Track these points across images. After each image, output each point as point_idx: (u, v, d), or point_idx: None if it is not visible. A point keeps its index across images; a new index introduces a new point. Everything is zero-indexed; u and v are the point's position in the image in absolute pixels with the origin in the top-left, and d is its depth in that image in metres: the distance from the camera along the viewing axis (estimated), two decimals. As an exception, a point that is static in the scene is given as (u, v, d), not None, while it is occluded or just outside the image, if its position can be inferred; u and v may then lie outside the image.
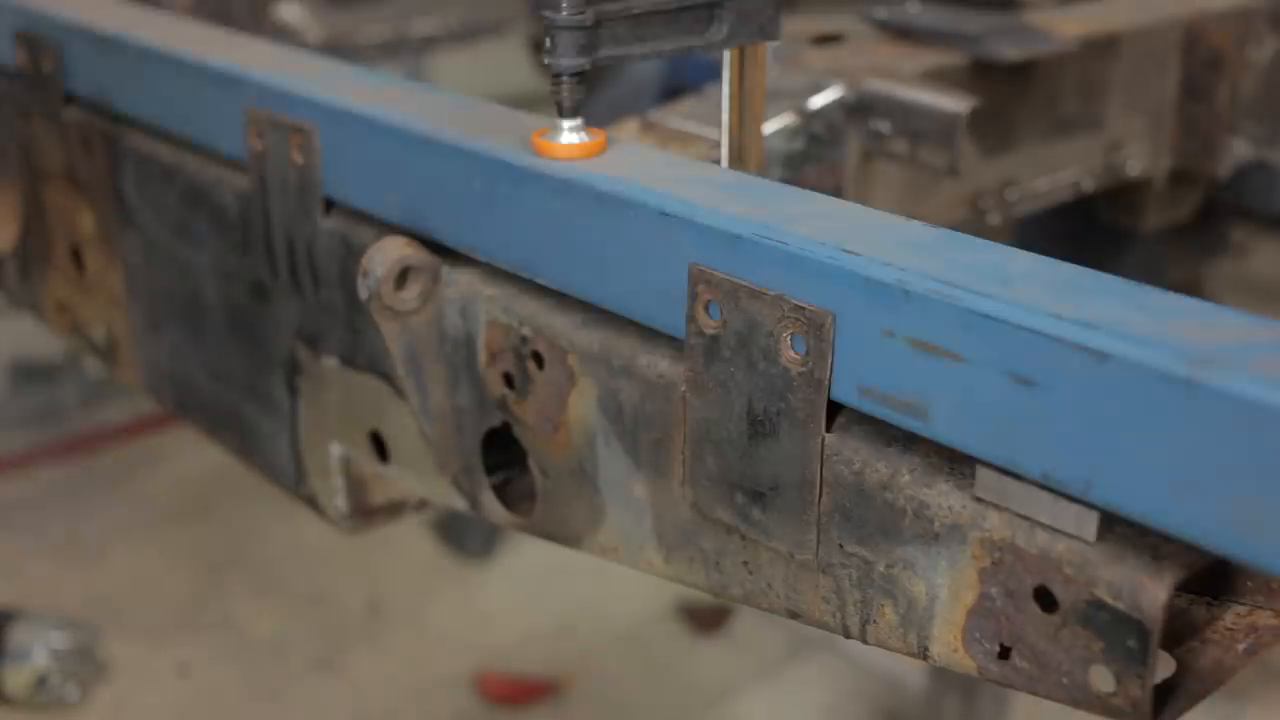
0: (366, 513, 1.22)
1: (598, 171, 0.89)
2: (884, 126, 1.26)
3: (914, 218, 0.82)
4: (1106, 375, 0.64)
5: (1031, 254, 0.76)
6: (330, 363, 1.15)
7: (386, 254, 1.01)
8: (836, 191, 1.25)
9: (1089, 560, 0.69)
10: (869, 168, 1.29)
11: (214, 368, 1.30)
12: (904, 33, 1.40)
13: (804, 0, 1.94)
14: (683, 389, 0.86)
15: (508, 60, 3.84)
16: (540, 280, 0.94)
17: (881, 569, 0.79)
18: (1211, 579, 0.75)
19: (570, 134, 0.92)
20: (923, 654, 0.79)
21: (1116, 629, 0.69)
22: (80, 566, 3.45)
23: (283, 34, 3.02)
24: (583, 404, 0.94)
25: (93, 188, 1.36)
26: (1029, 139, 1.42)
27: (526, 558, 3.44)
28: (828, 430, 0.79)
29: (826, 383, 0.77)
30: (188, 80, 1.20)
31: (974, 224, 1.40)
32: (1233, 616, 0.75)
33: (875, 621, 0.81)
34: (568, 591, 3.32)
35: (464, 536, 3.44)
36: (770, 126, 1.18)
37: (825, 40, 1.40)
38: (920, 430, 0.74)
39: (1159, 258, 1.80)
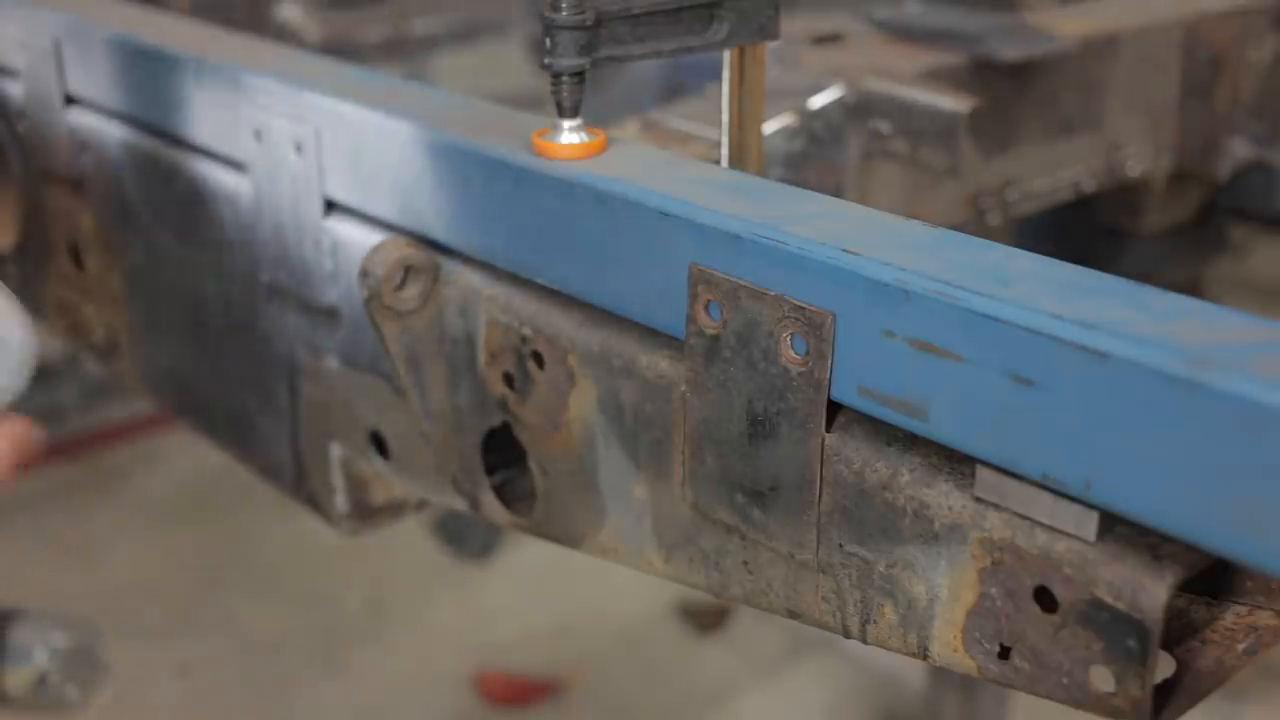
0: (366, 513, 1.22)
1: (598, 171, 0.89)
2: (884, 126, 1.26)
3: (914, 218, 0.82)
4: (1106, 375, 0.64)
5: (1031, 254, 0.76)
6: (330, 363, 1.15)
7: (386, 254, 1.01)
8: (836, 191, 1.25)
9: (1089, 560, 0.69)
10: (869, 168, 1.29)
11: (214, 368, 1.30)
12: (904, 33, 1.40)
13: (804, 0, 1.94)
14: (683, 389, 0.86)
15: (508, 60, 3.84)
16: (540, 280, 0.94)
17: (881, 569, 0.79)
18: (1211, 579, 0.75)
19: (570, 134, 0.92)
20: (923, 654, 0.79)
21: (1116, 629, 0.69)
22: (80, 566, 3.45)
23: (283, 34, 3.02)
24: (583, 404, 0.94)
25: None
26: (1029, 139, 1.42)
27: (526, 558, 3.44)
28: (828, 430, 0.79)
29: (826, 383, 0.77)
30: (185, 81, 1.20)
31: (974, 224, 1.40)
32: (1233, 616, 0.76)
33: (875, 621, 0.81)
34: (568, 591, 3.32)
35: (464, 536, 3.44)
36: (770, 126, 1.18)
37: (825, 40, 1.40)
38: (920, 430, 0.74)
39: (1159, 258, 1.80)
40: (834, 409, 0.78)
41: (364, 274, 1.01)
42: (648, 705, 3.05)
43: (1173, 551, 0.67)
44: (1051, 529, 0.70)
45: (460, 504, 1.09)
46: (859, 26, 1.44)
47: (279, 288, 1.16)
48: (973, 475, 0.73)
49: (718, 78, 0.99)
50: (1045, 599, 0.72)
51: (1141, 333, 0.65)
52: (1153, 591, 0.67)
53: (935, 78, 1.30)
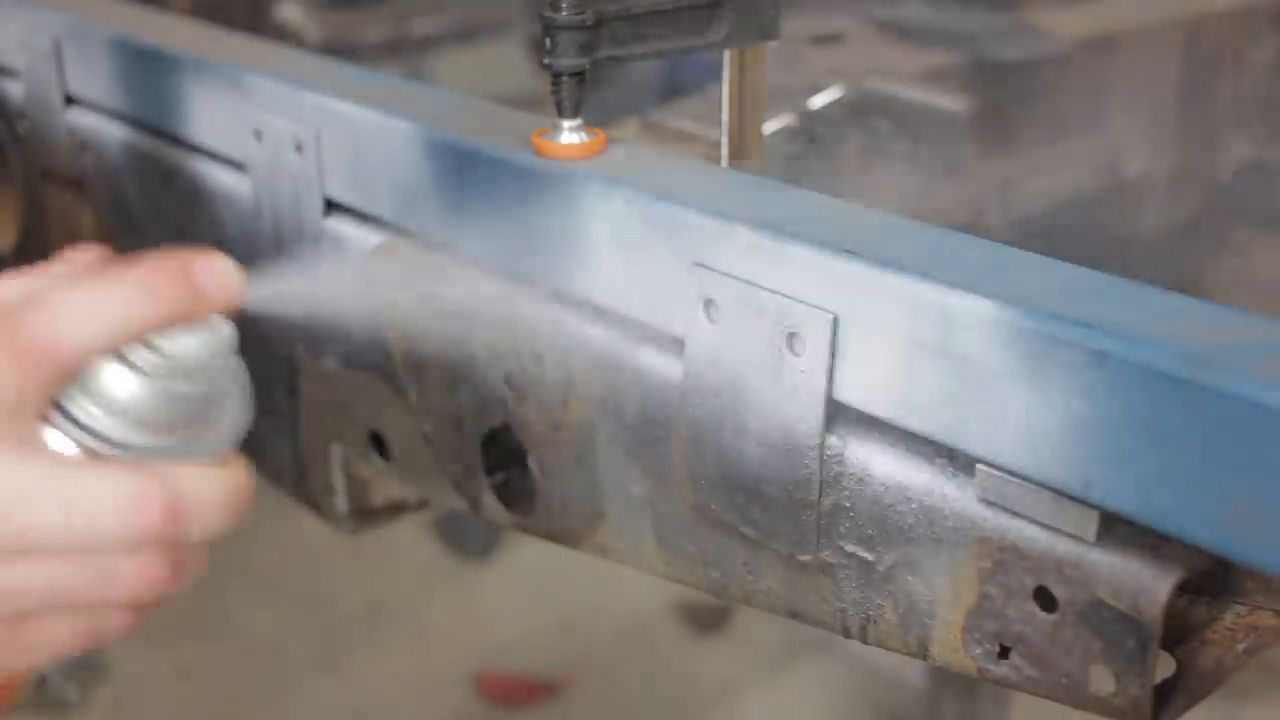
0: (366, 513, 1.22)
1: (598, 171, 0.89)
2: (884, 126, 1.26)
3: (914, 218, 0.82)
4: (1106, 375, 0.64)
5: (1031, 254, 0.76)
6: (330, 363, 1.15)
7: (386, 254, 1.01)
8: (836, 192, 1.25)
9: (1089, 560, 0.69)
10: (869, 168, 1.29)
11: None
12: (904, 33, 1.40)
13: (804, 0, 1.94)
14: (683, 389, 0.86)
15: (508, 60, 3.84)
16: (540, 280, 0.94)
17: (881, 569, 0.79)
18: (1211, 579, 0.75)
19: (570, 134, 0.92)
20: (923, 654, 0.79)
21: (1116, 629, 0.69)
22: (80, 566, 3.45)
23: (283, 34, 3.02)
24: (583, 404, 0.94)
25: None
26: (1029, 139, 1.42)
27: (526, 558, 3.44)
28: (828, 430, 0.79)
29: (827, 383, 0.77)
30: (185, 81, 1.20)
31: (974, 224, 1.40)
32: (1233, 616, 0.75)
33: (875, 621, 0.81)
34: (568, 591, 3.32)
35: (464, 536, 3.44)
36: (770, 126, 1.18)
37: (825, 40, 1.40)
38: (920, 430, 0.74)
39: (1159, 258, 1.80)
40: (834, 409, 0.78)
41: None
42: (648, 705, 3.05)
43: (1173, 551, 0.67)
44: (1051, 529, 0.70)
45: (460, 504, 1.08)
46: (859, 26, 1.44)
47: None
48: (973, 475, 0.73)
49: (718, 78, 0.99)
50: (1045, 599, 0.72)
51: (1141, 333, 0.65)
52: (1153, 591, 0.67)
53: (935, 78, 1.30)
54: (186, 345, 0.72)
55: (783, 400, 0.79)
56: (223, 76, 1.15)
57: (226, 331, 0.74)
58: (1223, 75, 1.51)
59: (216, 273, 0.73)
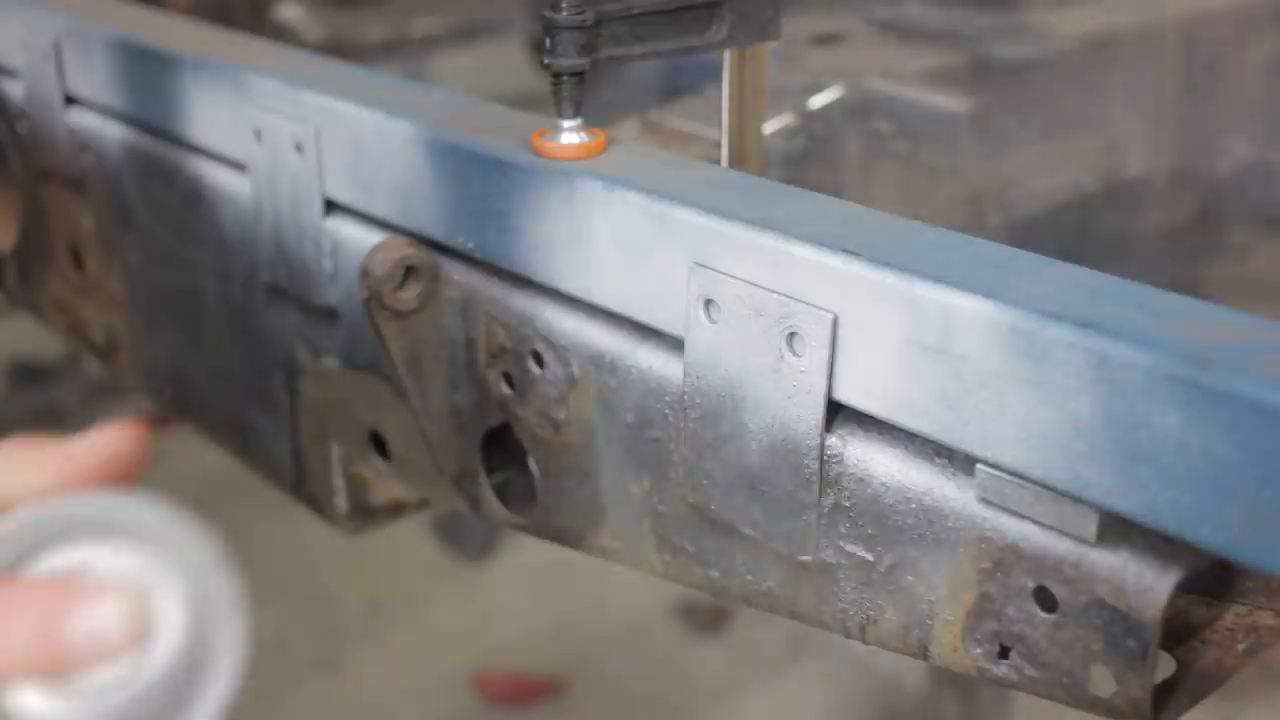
0: (366, 513, 1.22)
1: (598, 171, 0.89)
2: (884, 126, 1.26)
3: (914, 218, 0.82)
4: (1106, 375, 0.64)
5: (1031, 254, 0.76)
6: (330, 363, 1.15)
7: (386, 254, 1.01)
8: (836, 191, 1.25)
9: (1089, 560, 0.69)
10: (869, 168, 1.29)
11: (214, 368, 1.30)
12: (904, 33, 1.40)
13: (805, 0, 1.94)
14: (683, 389, 0.86)
15: (508, 60, 3.83)
16: (540, 280, 0.94)
17: (881, 569, 0.79)
18: (1211, 579, 0.75)
19: (570, 134, 0.92)
20: (923, 654, 0.79)
21: (1116, 629, 0.69)
22: (80, 566, 3.44)
23: (283, 34, 3.02)
24: (583, 404, 0.94)
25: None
26: (1029, 139, 1.42)
27: (526, 558, 3.44)
28: (828, 430, 0.79)
29: (827, 383, 0.77)
30: (185, 81, 1.20)
31: (974, 224, 1.40)
32: (1233, 616, 0.76)
33: (875, 621, 0.81)
34: (568, 591, 3.32)
35: (464, 536, 3.44)
36: (770, 126, 1.18)
37: (825, 40, 1.40)
38: (920, 430, 0.74)
39: (1159, 258, 1.80)
40: (834, 409, 0.78)
41: (364, 274, 1.01)
42: (648, 705, 3.05)
43: (1173, 551, 0.67)
44: (1051, 529, 0.70)
45: (460, 504, 1.09)
46: (859, 26, 1.45)
47: (279, 288, 1.16)
48: (973, 475, 0.73)
49: (718, 78, 0.99)
50: (1045, 599, 0.72)
51: (1141, 333, 0.65)
52: (1153, 591, 0.67)
53: (935, 78, 1.30)
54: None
55: (783, 400, 0.79)
56: (223, 76, 1.15)
57: (163, 660, 0.53)
58: (1223, 75, 1.51)
59: (101, 617, 0.48)
